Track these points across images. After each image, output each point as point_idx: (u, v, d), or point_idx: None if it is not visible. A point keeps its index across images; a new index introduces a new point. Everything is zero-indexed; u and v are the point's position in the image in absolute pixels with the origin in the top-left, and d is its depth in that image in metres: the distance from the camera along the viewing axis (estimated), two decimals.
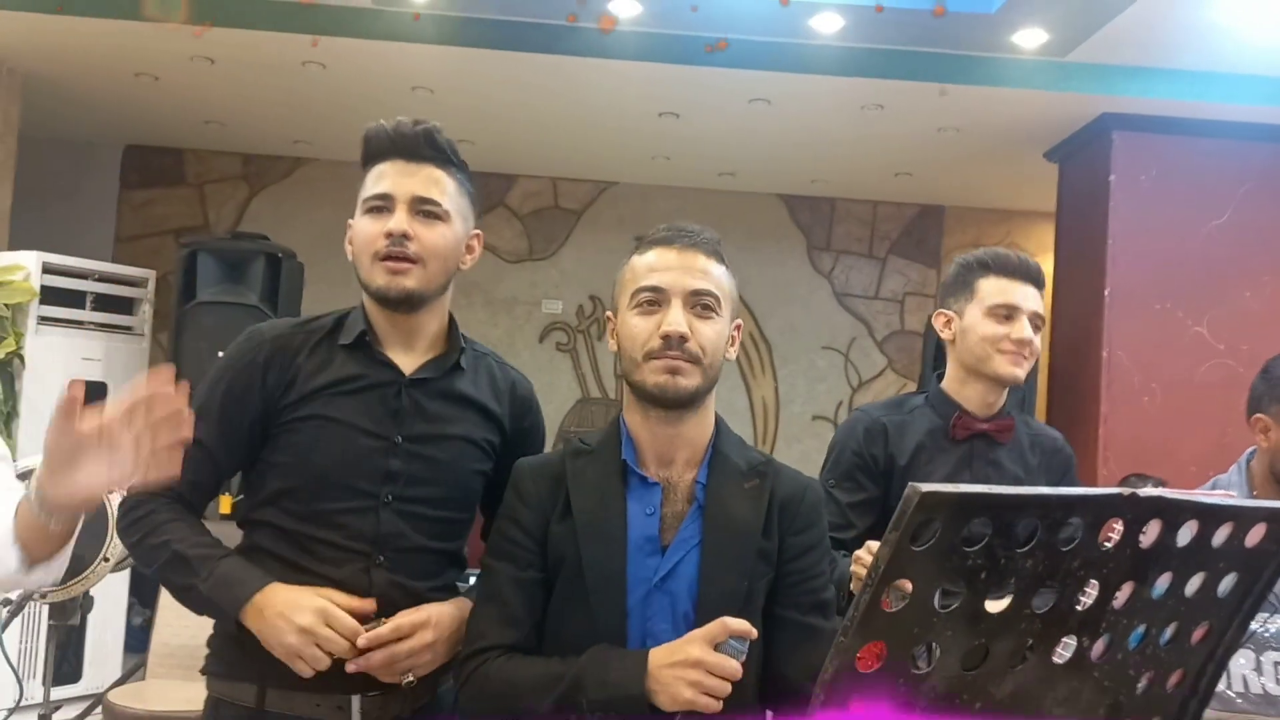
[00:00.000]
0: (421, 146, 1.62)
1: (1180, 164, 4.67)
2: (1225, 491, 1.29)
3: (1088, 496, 0.81)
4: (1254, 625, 1.23)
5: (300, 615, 1.46)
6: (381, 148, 1.64)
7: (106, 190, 6.26)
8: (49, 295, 4.50)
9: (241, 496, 1.69)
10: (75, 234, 5.93)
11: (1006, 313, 2.06)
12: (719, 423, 1.57)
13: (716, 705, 1.33)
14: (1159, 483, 3.33)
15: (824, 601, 1.54)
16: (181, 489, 1.56)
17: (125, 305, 4.82)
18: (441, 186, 1.63)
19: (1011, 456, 2.12)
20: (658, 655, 1.37)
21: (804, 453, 6.25)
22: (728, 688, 1.33)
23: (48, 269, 4.50)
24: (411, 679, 1.53)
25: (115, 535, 2.32)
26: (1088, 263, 4.86)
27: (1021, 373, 2.06)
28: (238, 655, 1.56)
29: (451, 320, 1.71)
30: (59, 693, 3.97)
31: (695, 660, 1.34)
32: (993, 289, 2.08)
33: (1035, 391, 4.84)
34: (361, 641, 1.49)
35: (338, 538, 1.56)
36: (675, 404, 1.49)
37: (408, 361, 1.65)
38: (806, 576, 1.51)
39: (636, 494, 1.50)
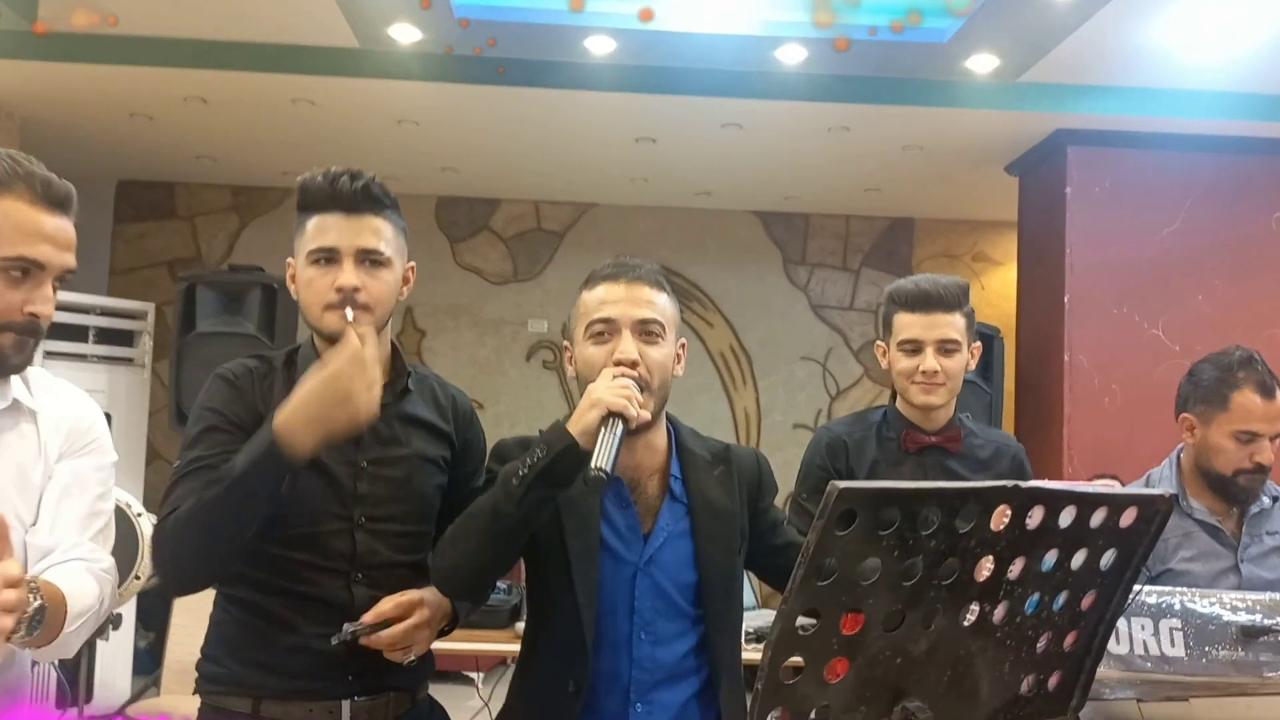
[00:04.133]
0: (361, 201, 1.68)
1: (1132, 175, 4.90)
2: (1106, 481, 1.49)
3: (977, 489, 1.02)
4: (1152, 599, 1.44)
5: (331, 363, 1.55)
6: (321, 200, 1.69)
7: (100, 224, 6.43)
8: (53, 330, 4.58)
9: None
10: None
11: (913, 347, 2.23)
12: (670, 418, 1.76)
13: (632, 405, 1.52)
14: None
15: (793, 541, 1.77)
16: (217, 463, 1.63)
17: (126, 338, 4.98)
18: (382, 235, 1.70)
19: (964, 463, 2.30)
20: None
21: (786, 460, 6.37)
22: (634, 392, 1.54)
23: None
24: (413, 658, 1.67)
25: (145, 555, 2.47)
26: (1048, 271, 5.08)
27: (935, 399, 2.23)
28: (231, 674, 1.67)
29: (394, 348, 1.80)
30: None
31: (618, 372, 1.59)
32: (901, 325, 2.24)
33: (1003, 395, 5.05)
34: (369, 617, 1.62)
35: (318, 559, 1.66)
36: (635, 431, 1.62)
37: None
38: (776, 531, 1.78)
39: (612, 487, 1.61)
